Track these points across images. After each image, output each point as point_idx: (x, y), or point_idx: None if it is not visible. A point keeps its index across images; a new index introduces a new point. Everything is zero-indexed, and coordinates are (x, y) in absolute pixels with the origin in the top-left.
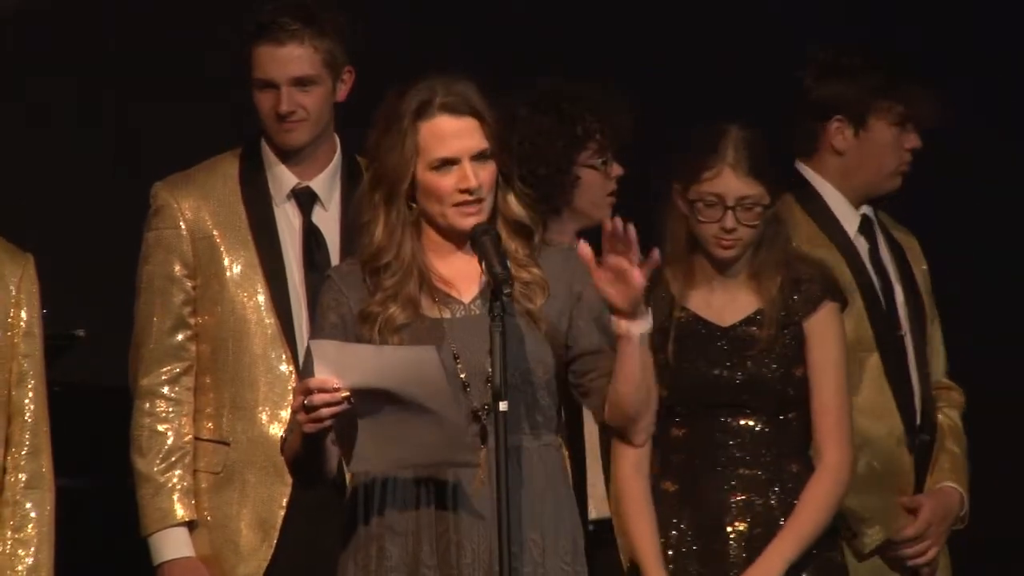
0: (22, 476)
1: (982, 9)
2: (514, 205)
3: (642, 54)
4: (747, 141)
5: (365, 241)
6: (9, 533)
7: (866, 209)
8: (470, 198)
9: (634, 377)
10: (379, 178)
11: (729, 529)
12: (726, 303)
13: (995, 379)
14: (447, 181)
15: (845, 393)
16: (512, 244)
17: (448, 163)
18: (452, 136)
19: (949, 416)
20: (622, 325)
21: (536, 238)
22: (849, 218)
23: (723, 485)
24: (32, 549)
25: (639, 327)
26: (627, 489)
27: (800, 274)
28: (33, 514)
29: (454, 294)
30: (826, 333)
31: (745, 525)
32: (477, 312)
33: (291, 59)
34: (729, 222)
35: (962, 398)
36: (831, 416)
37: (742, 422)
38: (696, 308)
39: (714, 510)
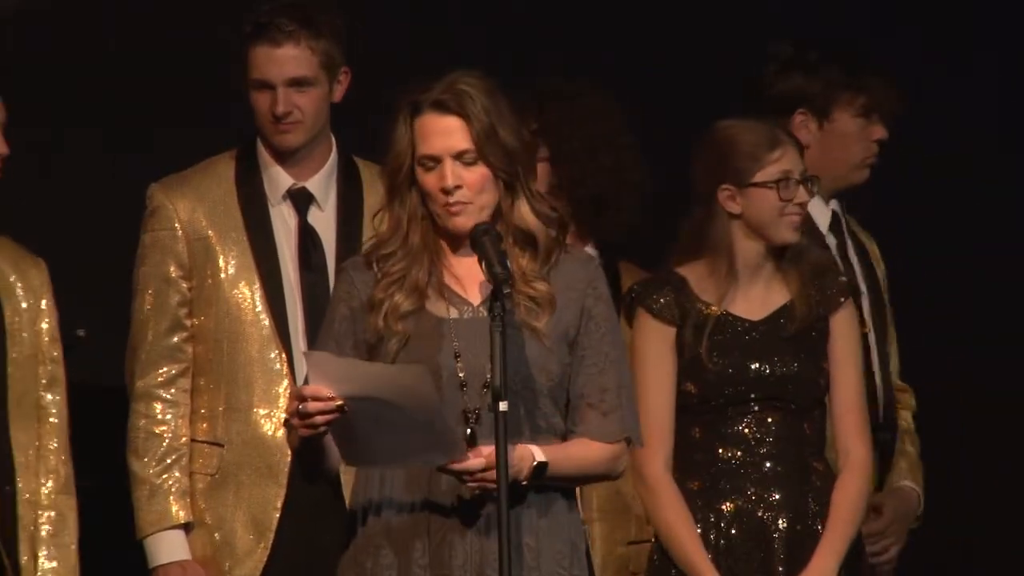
0: (56, 481)
1: (982, 10)
2: (525, 215)
3: (642, 54)
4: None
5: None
6: (47, 537)
7: (835, 205)
8: (448, 199)
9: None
10: (385, 169)
11: (772, 527)
12: (755, 298)
13: (995, 379)
14: (431, 180)
15: (864, 390)
16: (520, 260)
17: (432, 161)
18: (433, 134)
19: (903, 418)
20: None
21: (555, 254)
22: (820, 212)
23: (757, 483)
24: (68, 553)
25: (537, 460)
26: (662, 489)
27: (820, 267)
28: (67, 517)
29: (463, 294)
30: (849, 329)
31: (785, 523)
32: (484, 315)
33: (287, 60)
34: (803, 195)
35: (913, 400)
36: (855, 413)
37: (771, 418)
38: (727, 304)
39: (750, 508)
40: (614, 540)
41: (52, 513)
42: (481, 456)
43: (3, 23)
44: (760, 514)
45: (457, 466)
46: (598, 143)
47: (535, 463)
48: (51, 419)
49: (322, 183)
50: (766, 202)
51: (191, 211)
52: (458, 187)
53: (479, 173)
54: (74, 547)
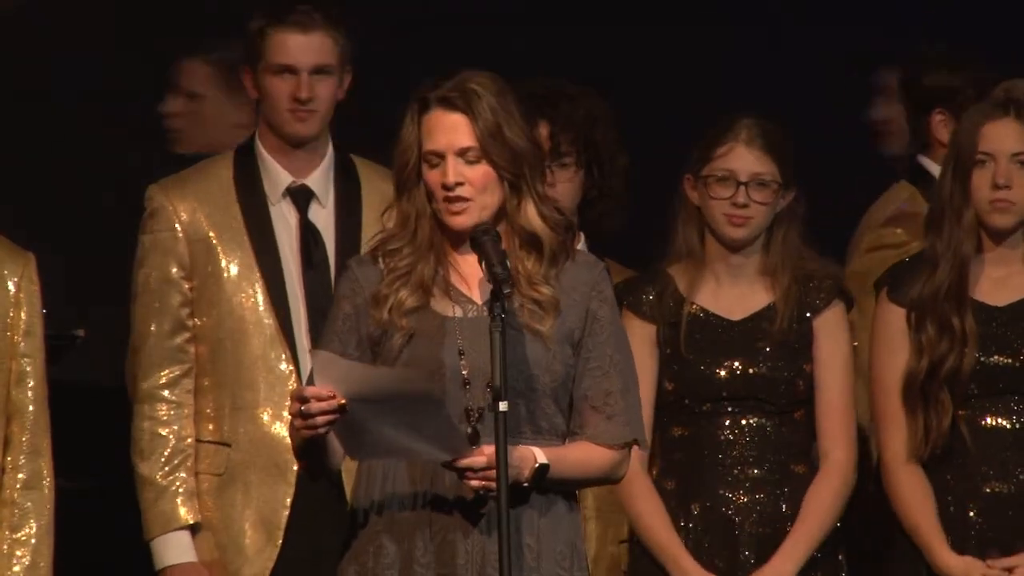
0: (21, 476)
1: (983, 12)
2: (532, 217)
3: (641, 55)
4: (760, 124)
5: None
6: (7, 533)
7: None
8: (449, 195)
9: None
10: (393, 166)
11: (738, 531)
12: (735, 298)
13: None
14: (434, 176)
15: (851, 393)
16: (525, 262)
17: (436, 157)
18: (439, 130)
19: None
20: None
21: (560, 259)
22: None
23: (729, 485)
24: (29, 550)
25: (539, 462)
26: (637, 482)
27: (811, 272)
28: (31, 514)
29: (468, 293)
30: (835, 331)
31: (753, 526)
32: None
33: (315, 47)
34: (741, 197)
35: None
36: (836, 414)
37: (748, 420)
38: (705, 303)
39: (721, 510)
40: (607, 539)
41: (14, 509)
42: (484, 454)
43: (4, 21)
44: (728, 515)
45: (461, 462)
46: (618, 145)
47: (536, 465)
48: (21, 415)
49: (321, 179)
50: (711, 196)
51: (192, 212)
52: (459, 184)
53: (482, 172)
54: (40, 542)
